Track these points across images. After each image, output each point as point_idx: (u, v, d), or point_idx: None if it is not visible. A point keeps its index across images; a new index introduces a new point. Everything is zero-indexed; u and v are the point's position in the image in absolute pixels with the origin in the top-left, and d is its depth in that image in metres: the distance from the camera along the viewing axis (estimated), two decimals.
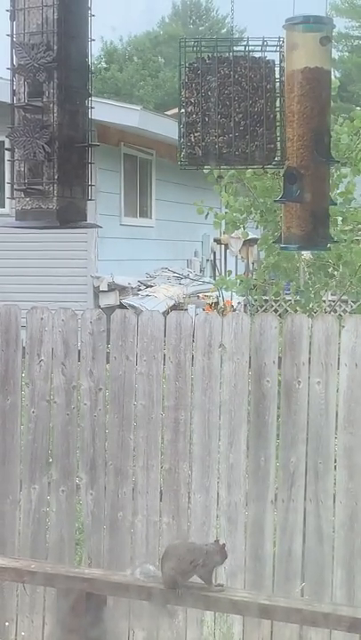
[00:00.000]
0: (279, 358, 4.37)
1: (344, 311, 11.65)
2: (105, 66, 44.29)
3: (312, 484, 4.29)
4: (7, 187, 2.50)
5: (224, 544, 3.01)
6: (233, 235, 11.69)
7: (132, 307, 12.24)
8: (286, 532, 4.33)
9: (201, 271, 17.27)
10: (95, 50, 2.57)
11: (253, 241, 12.32)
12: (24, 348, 4.69)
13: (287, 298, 10.80)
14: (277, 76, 2.68)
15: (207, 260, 17.71)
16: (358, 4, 43.06)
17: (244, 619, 4.27)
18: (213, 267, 17.46)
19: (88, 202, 2.54)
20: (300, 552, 4.31)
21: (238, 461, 4.40)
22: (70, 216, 2.45)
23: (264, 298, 11.90)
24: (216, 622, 4.41)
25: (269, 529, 4.36)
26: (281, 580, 4.32)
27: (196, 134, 2.61)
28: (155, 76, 43.78)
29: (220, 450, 4.44)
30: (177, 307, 13.34)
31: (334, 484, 4.29)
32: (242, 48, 2.64)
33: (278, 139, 2.65)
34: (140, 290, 13.93)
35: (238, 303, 13.18)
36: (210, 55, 2.61)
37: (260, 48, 2.65)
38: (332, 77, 3.66)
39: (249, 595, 3.21)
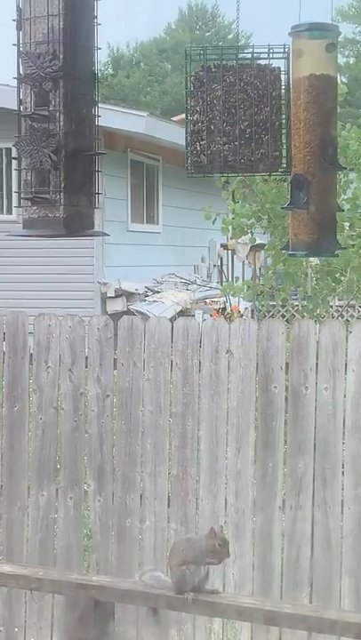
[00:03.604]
0: (286, 364, 4.37)
1: (351, 316, 11.65)
2: (112, 72, 44.40)
3: (320, 491, 4.29)
4: (14, 194, 2.51)
5: (212, 528, 2.92)
6: (240, 240, 11.69)
7: (140, 313, 12.25)
8: (294, 538, 4.32)
9: (208, 277, 17.27)
10: (102, 56, 2.59)
11: (260, 246, 12.33)
12: (31, 354, 4.69)
13: (294, 303, 10.81)
14: (283, 83, 2.69)
15: (214, 266, 17.71)
16: None
17: (252, 626, 4.26)
18: (220, 272, 17.46)
19: (95, 209, 2.54)
20: (307, 559, 4.30)
21: (246, 468, 4.39)
22: (77, 224, 2.46)
23: (271, 303, 11.92)
24: (224, 629, 4.40)
25: (277, 535, 4.35)
26: (289, 587, 4.31)
27: (201, 142, 2.61)
28: (161, 82, 43.87)
29: (227, 456, 4.43)
30: (184, 312, 13.35)
31: (342, 489, 4.28)
32: (247, 55, 2.65)
33: (284, 146, 2.66)
34: (147, 296, 13.93)
35: (245, 309, 13.19)
36: (215, 63, 2.61)
37: (265, 55, 2.65)
38: (340, 83, 3.67)
39: (255, 601, 3.20)
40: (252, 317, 11.87)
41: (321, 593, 4.27)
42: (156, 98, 42.11)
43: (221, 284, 14.09)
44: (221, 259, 17.53)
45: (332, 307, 8.88)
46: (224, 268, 17.43)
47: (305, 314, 8.00)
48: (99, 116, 2.51)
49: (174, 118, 16.39)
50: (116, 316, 5.05)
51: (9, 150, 12.73)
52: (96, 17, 2.49)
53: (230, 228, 8.20)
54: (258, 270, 15.34)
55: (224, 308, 13.18)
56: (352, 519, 4.25)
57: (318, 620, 2.73)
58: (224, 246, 16.62)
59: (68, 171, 2.40)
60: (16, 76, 2.45)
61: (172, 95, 41.04)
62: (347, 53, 43.15)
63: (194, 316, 12.71)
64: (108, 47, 44.73)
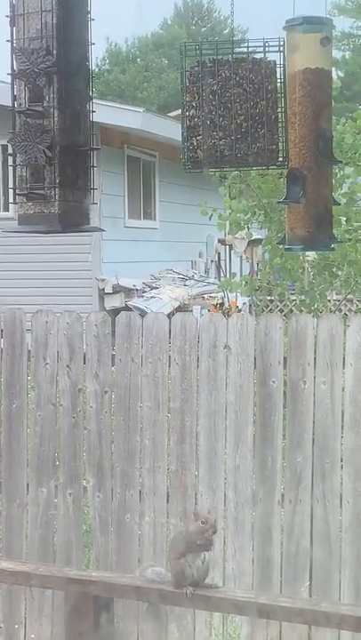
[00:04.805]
0: (284, 359, 4.38)
1: (349, 310, 11.64)
2: (108, 68, 44.32)
3: (319, 484, 4.29)
4: (11, 191, 2.51)
5: (195, 511, 2.84)
6: (237, 235, 11.68)
7: (138, 309, 12.25)
8: (293, 532, 4.33)
9: (206, 272, 17.27)
10: (100, 52, 2.59)
11: (258, 241, 12.31)
12: (29, 351, 4.70)
13: (292, 298, 10.81)
14: (279, 76, 2.68)
15: (212, 261, 17.71)
16: None
17: (252, 620, 4.27)
18: (218, 267, 17.46)
19: (91, 205, 2.54)
20: (307, 552, 4.31)
21: (244, 462, 4.40)
22: (72, 220, 2.46)
23: (269, 298, 11.91)
24: (224, 624, 4.40)
25: (276, 529, 4.36)
26: (288, 581, 4.32)
27: (198, 137, 2.61)
28: (158, 77, 43.79)
29: (226, 451, 4.44)
30: (182, 308, 13.34)
31: (341, 483, 4.29)
32: (243, 49, 2.65)
33: (281, 139, 2.65)
34: (144, 292, 13.93)
35: (243, 304, 13.18)
36: (211, 58, 2.61)
37: (261, 49, 2.65)
38: (334, 78, 3.67)
39: (251, 595, 3.19)
40: (250, 312, 11.87)
41: (320, 586, 4.27)
42: (152, 94, 42.03)
43: (219, 280, 14.06)
44: (219, 254, 17.53)
45: (330, 301, 8.88)
46: (222, 263, 17.43)
47: (303, 308, 8.00)
48: (93, 112, 2.51)
49: (171, 114, 16.38)
50: (113, 312, 5.06)
51: (6, 147, 12.71)
52: (89, 12, 2.49)
53: (227, 223, 8.19)
54: (256, 265, 15.33)
55: (222, 304, 13.18)
56: (351, 513, 4.26)
57: (315, 614, 2.73)
58: (222, 241, 16.61)
59: (63, 166, 2.40)
60: (10, 72, 2.45)
61: (169, 91, 40.97)
62: (342, 47, 42.99)
63: (192, 311, 12.71)
64: (108, 42, 44.67)
